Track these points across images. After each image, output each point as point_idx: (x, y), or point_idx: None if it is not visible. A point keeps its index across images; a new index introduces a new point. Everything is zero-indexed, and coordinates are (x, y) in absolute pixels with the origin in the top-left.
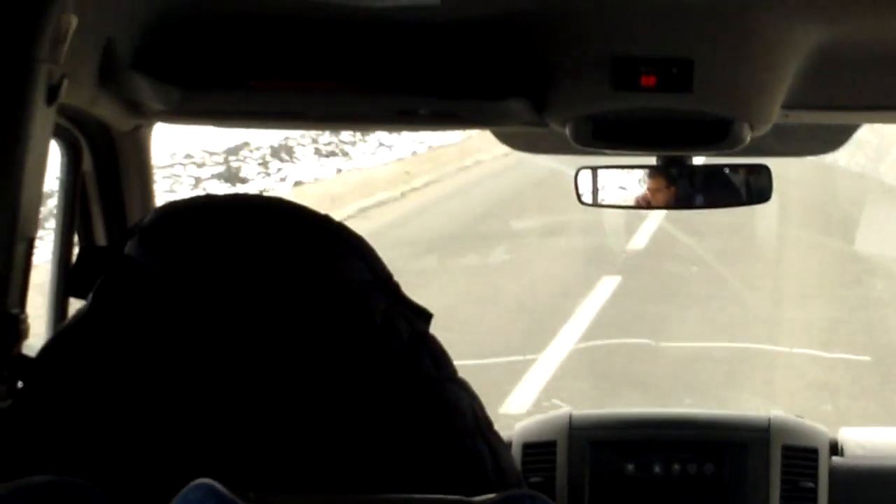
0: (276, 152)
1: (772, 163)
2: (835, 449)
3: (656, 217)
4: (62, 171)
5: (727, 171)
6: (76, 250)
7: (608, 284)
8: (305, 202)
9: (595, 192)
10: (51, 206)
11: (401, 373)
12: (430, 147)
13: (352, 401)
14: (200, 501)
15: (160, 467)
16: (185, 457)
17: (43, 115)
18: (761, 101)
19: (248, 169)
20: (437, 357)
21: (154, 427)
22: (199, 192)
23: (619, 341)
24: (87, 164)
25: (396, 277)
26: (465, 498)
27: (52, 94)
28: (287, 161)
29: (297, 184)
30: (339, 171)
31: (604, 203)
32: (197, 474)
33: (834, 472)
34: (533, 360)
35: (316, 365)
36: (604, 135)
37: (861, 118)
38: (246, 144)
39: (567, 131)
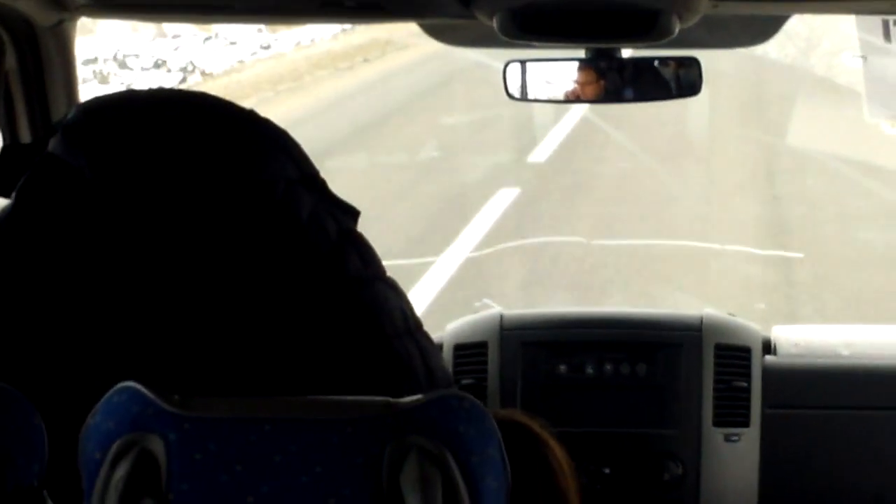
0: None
1: (702, 55)
2: (768, 348)
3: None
4: None
5: (657, 63)
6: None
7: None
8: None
9: (524, 86)
10: None
11: (328, 272)
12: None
13: (277, 301)
14: (125, 404)
15: (84, 370)
16: (108, 360)
17: None
18: None
19: None
20: (365, 255)
21: (78, 329)
22: None
23: (551, 239)
24: (11, 60)
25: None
26: (391, 399)
27: None
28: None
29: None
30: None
31: (533, 97)
32: (121, 377)
33: (767, 371)
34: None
35: (241, 264)
36: (532, 27)
37: (790, 9)
38: None
39: (495, 23)
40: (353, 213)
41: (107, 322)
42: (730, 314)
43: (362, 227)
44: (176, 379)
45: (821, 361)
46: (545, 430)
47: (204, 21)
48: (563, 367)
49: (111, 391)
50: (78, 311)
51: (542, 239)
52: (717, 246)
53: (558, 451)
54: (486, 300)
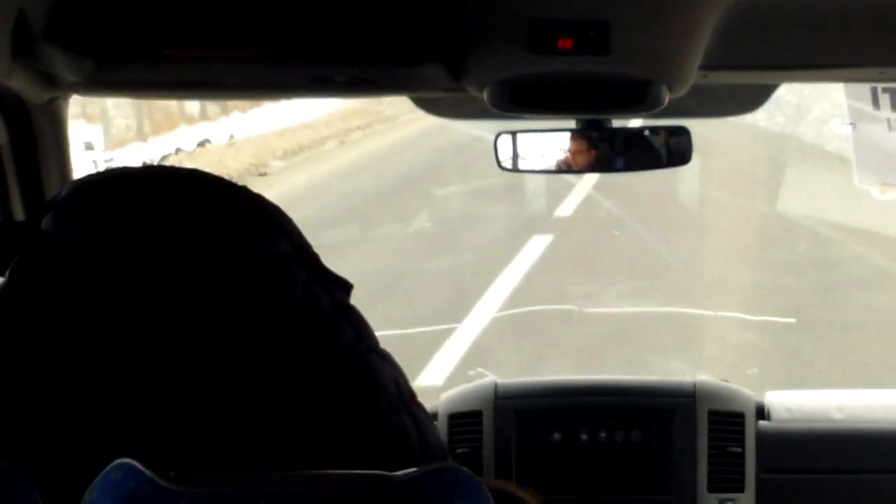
0: None
1: (692, 124)
2: (761, 413)
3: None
4: None
5: (647, 133)
6: None
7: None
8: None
9: (515, 157)
10: None
11: (321, 346)
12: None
13: (272, 375)
14: (121, 481)
15: (80, 448)
16: (105, 437)
17: None
18: (679, 62)
19: None
20: (359, 328)
21: (73, 405)
22: None
23: (543, 307)
24: (3, 137)
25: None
26: (386, 473)
27: None
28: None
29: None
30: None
31: (524, 168)
32: (117, 454)
33: (761, 436)
34: (453, 329)
35: (235, 340)
36: (522, 99)
37: (780, 77)
38: None
39: (485, 96)
40: (345, 287)
41: (102, 399)
42: (723, 380)
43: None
44: (172, 454)
45: (814, 426)
46: (536, 499)
47: (196, 97)
48: (557, 435)
49: (107, 468)
50: (73, 389)
51: (533, 308)
52: (709, 312)
53: None
54: (479, 369)
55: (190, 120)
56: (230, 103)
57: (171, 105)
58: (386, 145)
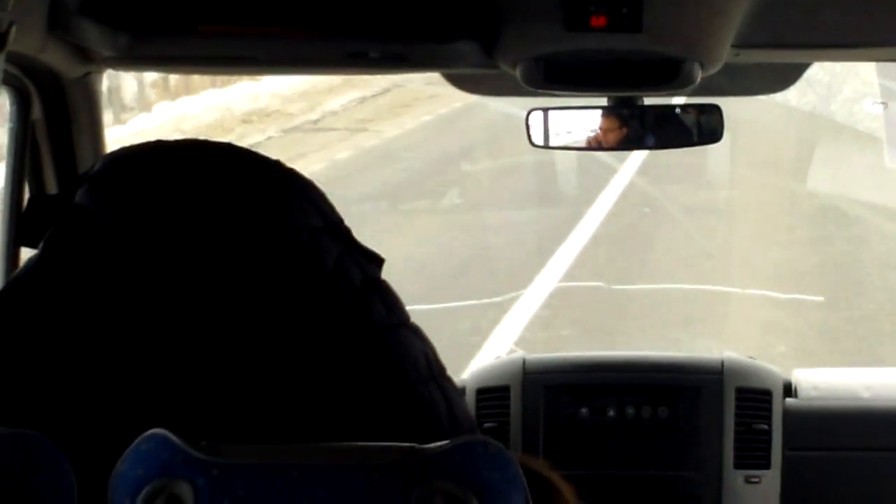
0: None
1: (723, 102)
2: (788, 390)
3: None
4: (11, 120)
5: (678, 111)
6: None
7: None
8: None
9: (546, 133)
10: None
11: (352, 319)
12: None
13: (303, 348)
14: (154, 451)
15: (113, 418)
16: (137, 407)
17: None
18: (711, 41)
19: None
20: (390, 302)
21: (106, 377)
22: None
23: (570, 284)
24: (37, 112)
25: None
26: (417, 445)
27: (0, 42)
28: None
29: None
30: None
31: (555, 144)
32: (150, 424)
33: (787, 414)
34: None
35: (267, 312)
36: (554, 76)
37: (811, 56)
38: None
39: (518, 73)
40: (377, 261)
41: (134, 370)
42: (750, 357)
43: None
44: (203, 425)
45: (841, 403)
46: (553, 472)
47: (228, 72)
48: (584, 411)
49: (140, 438)
50: (106, 360)
51: (561, 284)
52: (737, 290)
53: (567, 492)
54: (512, 346)
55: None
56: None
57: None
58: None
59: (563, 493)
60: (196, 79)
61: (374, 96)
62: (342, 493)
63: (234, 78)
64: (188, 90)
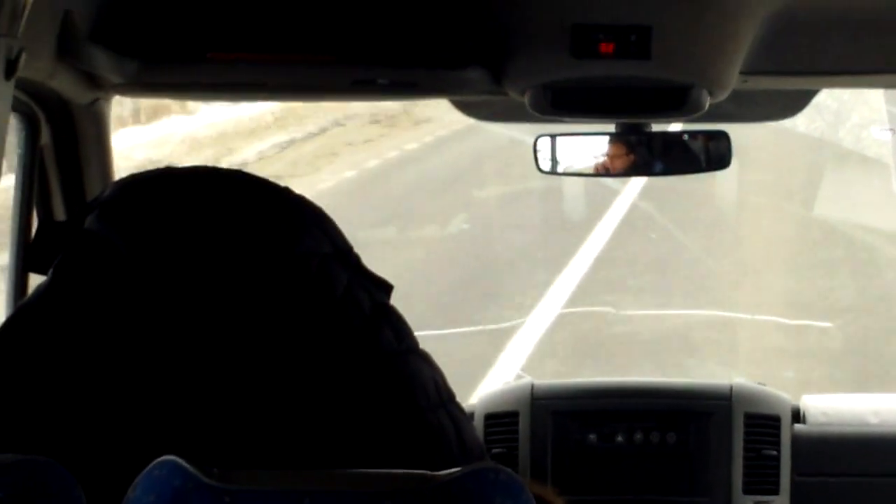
0: None
1: (731, 129)
2: (797, 416)
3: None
4: (20, 146)
5: (686, 137)
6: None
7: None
8: None
9: (554, 159)
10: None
11: (362, 346)
12: None
13: (313, 375)
14: (165, 478)
15: (124, 444)
16: (148, 434)
17: (1, 90)
18: (720, 67)
19: None
20: (399, 329)
21: (117, 404)
22: None
23: (580, 309)
24: (46, 137)
25: None
26: (428, 472)
27: (10, 69)
28: None
29: None
30: None
31: (563, 171)
32: (161, 451)
33: (797, 440)
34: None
35: (277, 339)
36: (562, 103)
37: (819, 83)
38: None
39: (526, 100)
40: (386, 288)
41: (145, 396)
42: (760, 383)
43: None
44: (214, 452)
45: (850, 429)
46: (561, 499)
47: (237, 98)
48: (593, 437)
49: (151, 465)
50: (116, 386)
51: (571, 309)
52: (746, 316)
53: None
54: (519, 372)
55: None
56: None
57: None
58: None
59: None
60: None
61: (303, 139)
62: None
63: (158, 114)
64: None
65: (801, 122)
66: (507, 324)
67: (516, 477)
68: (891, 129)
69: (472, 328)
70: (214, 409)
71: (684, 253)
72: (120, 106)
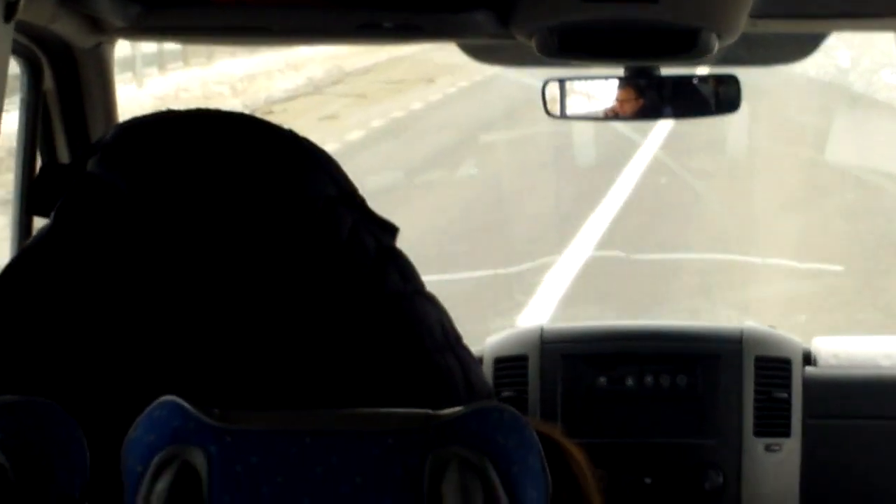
0: None
1: (741, 73)
2: (808, 359)
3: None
4: (23, 90)
5: (696, 81)
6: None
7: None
8: None
9: (563, 104)
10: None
11: (367, 288)
12: None
13: (317, 316)
14: (166, 418)
15: (125, 385)
16: (149, 374)
17: (0, 32)
18: (729, 10)
19: None
20: (405, 271)
21: (118, 345)
22: None
23: (590, 254)
24: (49, 82)
25: None
26: (431, 411)
27: (9, 11)
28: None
29: None
30: None
31: (571, 115)
32: (162, 392)
33: (807, 383)
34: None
35: (281, 281)
36: (570, 46)
37: (829, 26)
38: None
39: (533, 43)
40: (391, 230)
41: (146, 337)
42: (770, 327)
43: None
44: (216, 393)
45: (861, 372)
46: (566, 438)
47: (241, 43)
48: (603, 380)
49: (152, 405)
50: (117, 327)
51: (581, 252)
52: (757, 259)
53: (581, 459)
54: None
55: None
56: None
57: None
58: None
59: (577, 458)
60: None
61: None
62: (356, 460)
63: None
64: None
65: (810, 65)
66: (518, 268)
67: (520, 416)
68: None
69: (483, 272)
70: (217, 351)
71: (695, 197)
72: None
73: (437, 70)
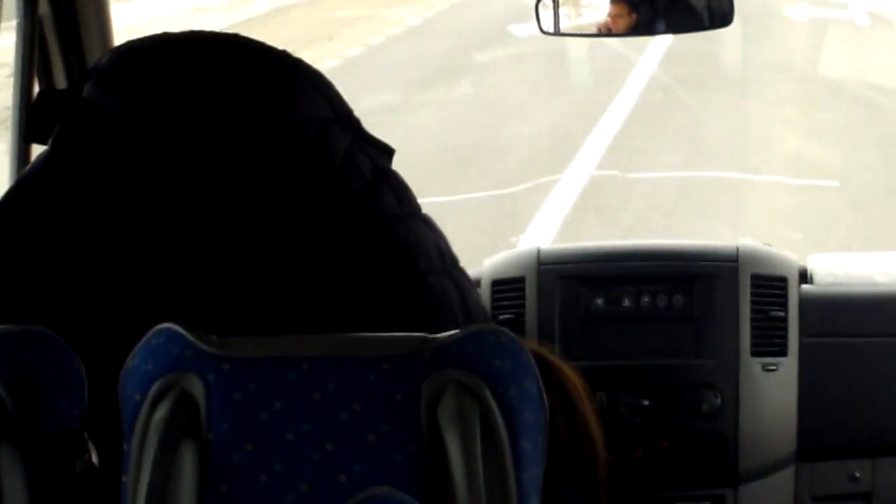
0: None
1: None
2: (804, 277)
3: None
4: (19, 16)
5: None
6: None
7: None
8: None
9: (556, 20)
10: None
11: (362, 210)
12: None
13: (312, 240)
14: (163, 346)
15: (122, 314)
16: (146, 302)
17: None
18: None
19: None
20: (400, 193)
21: (114, 274)
22: None
23: (585, 173)
24: (44, 6)
25: None
26: (426, 335)
27: None
28: None
29: None
30: None
31: (565, 31)
32: (159, 319)
33: (804, 300)
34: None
35: (275, 204)
36: None
37: None
38: None
39: None
40: (387, 152)
41: (143, 265)
42: (766, 244)
43: None
44: (212, 319)
45: (858, 289)
46: (564, 360)
47: None
48: (600, 301)
49: (150, 333)
50: (114, 255)
51: (576, 172)
52: (751, 176)
53: (575, 379)
54: (521, 236)
55: None
56: None
57: None
58: None
59: (574, 380)
60: None
61: None
62: (353, 385)
63: None
64: None
65: None
66: (514, 189)
67: (516, 338)
68: None
69: (480, 193)
70: (213, 277)
71: (689, 114)
72: None
73: None
